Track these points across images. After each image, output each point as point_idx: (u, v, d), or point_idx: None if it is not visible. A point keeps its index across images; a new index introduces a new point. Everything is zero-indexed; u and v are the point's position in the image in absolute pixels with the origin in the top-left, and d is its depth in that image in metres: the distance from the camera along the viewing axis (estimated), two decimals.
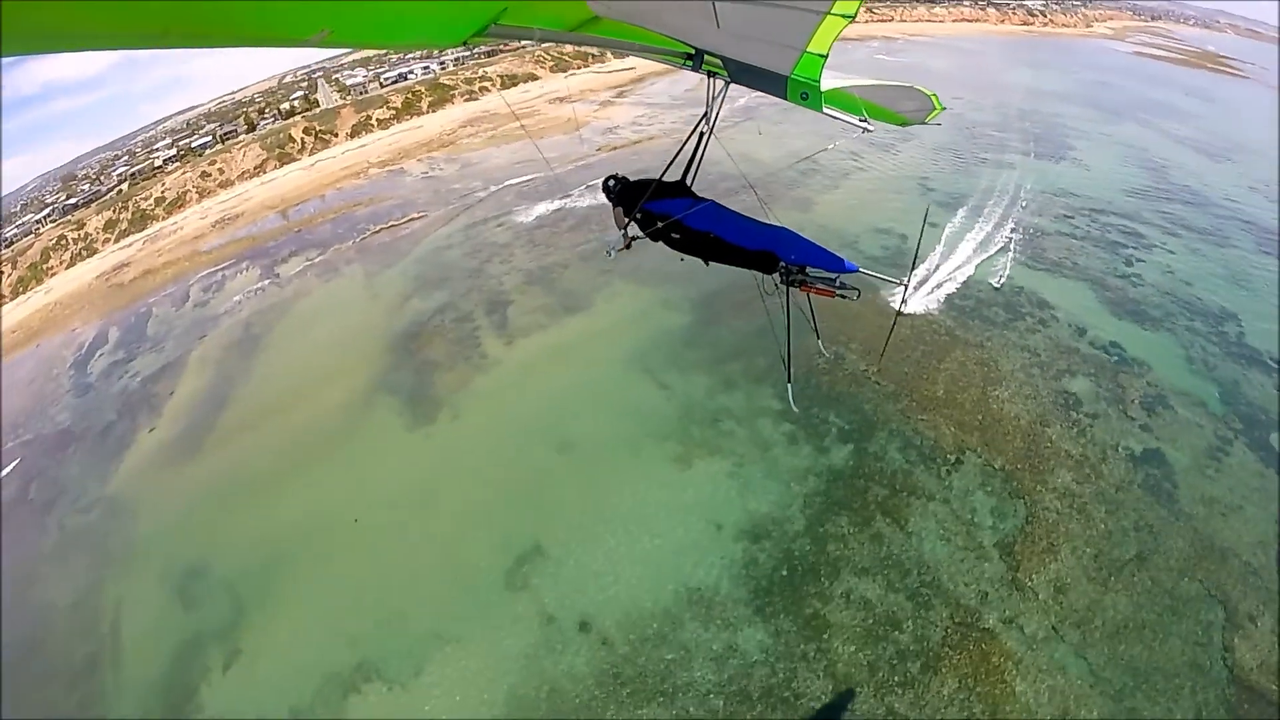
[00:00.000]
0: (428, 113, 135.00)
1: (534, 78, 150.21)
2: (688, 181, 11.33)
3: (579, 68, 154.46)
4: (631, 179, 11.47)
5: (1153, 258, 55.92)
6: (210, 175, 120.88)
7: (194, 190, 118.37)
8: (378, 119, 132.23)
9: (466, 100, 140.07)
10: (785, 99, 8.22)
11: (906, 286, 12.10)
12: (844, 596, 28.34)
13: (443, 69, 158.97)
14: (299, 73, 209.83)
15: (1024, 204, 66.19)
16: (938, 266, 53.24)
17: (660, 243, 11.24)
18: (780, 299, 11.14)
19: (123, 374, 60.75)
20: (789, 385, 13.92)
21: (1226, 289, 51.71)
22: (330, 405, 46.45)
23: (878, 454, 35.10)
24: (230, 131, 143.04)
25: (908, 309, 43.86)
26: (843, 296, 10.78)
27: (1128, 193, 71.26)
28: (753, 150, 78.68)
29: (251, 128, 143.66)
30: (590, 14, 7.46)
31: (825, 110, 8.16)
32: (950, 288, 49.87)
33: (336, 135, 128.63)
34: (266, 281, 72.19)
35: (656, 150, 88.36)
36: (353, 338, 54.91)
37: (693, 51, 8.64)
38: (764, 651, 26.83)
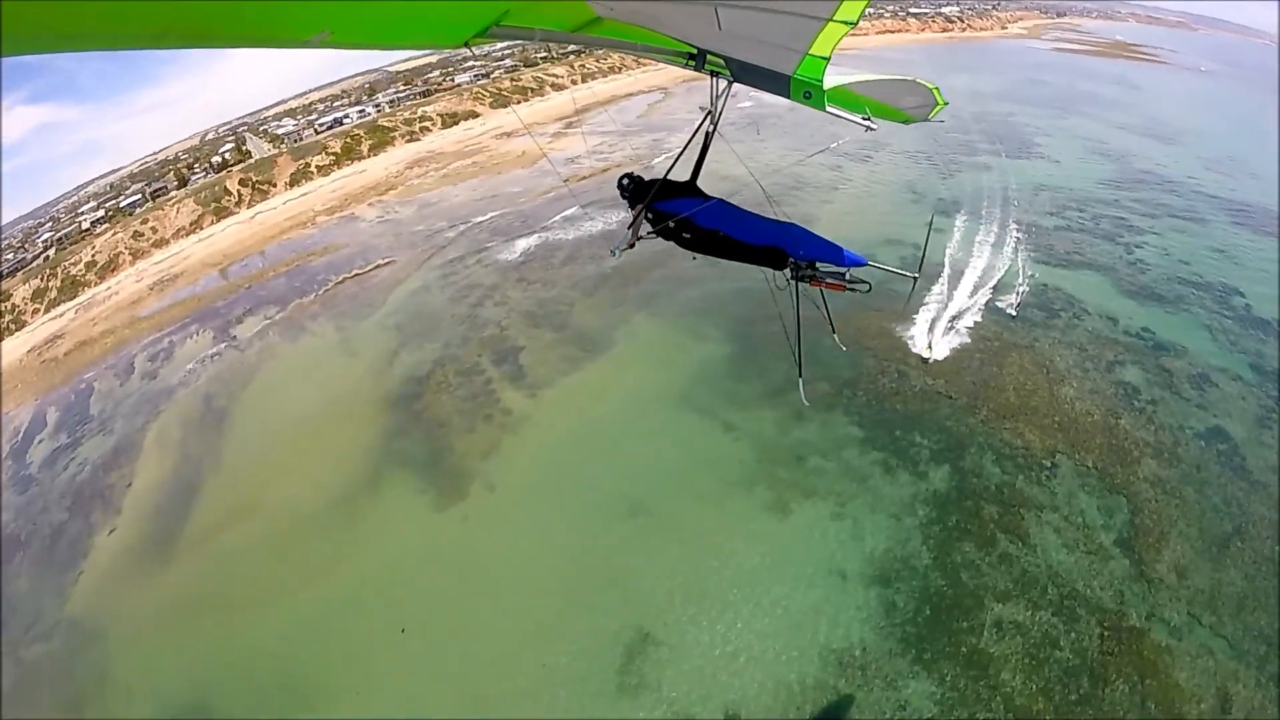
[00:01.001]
0: (369, 156, 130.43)
1: (474, 114, 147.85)
2: (697, 180, 11.25)
3: (519, 102, 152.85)
4: (646, 178, 11.31)
5: (1147, 242, 59.32)
6: (143, 235, 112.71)
7: (126, 252, 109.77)
8: (317, 166, 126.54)
9: (408, 141, 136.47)
10: (788, 98, 8.42)
11: (916, 280, 12.17)
12: (995, 626, 27.30)
13: (379, 111, 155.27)
14: (221, 129, 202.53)
15: (1015, 203, 68.23)
16: (963, 275, 53.38)
17: (673, 244, 11.26)
18: (796, 296, 11.12)
19: (68, 462, 52.52)
20: (800, 380, 13.61)
21: (1220, 264, 55.03)
22: (327, 487, 40.22)
23: (975, 470, 34.42)
24: (160, 188, 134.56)
25: (933, 356, 42.87)
26: (853, 290, 10.82)
27: (1101, 183, 75.86)
28: (726, 167, 76.33)
29: (183, 183, 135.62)
30: (593, 15, 7.29)
31: (829, 109, 8.48)
32: (985, 296, 50.15)
33: (275, 185, 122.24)
34: (222, 345, 64.86)
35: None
36: (336, 404, 48.75)
37: (695, 51, 8.61)
38: (936, 702, 25.22)
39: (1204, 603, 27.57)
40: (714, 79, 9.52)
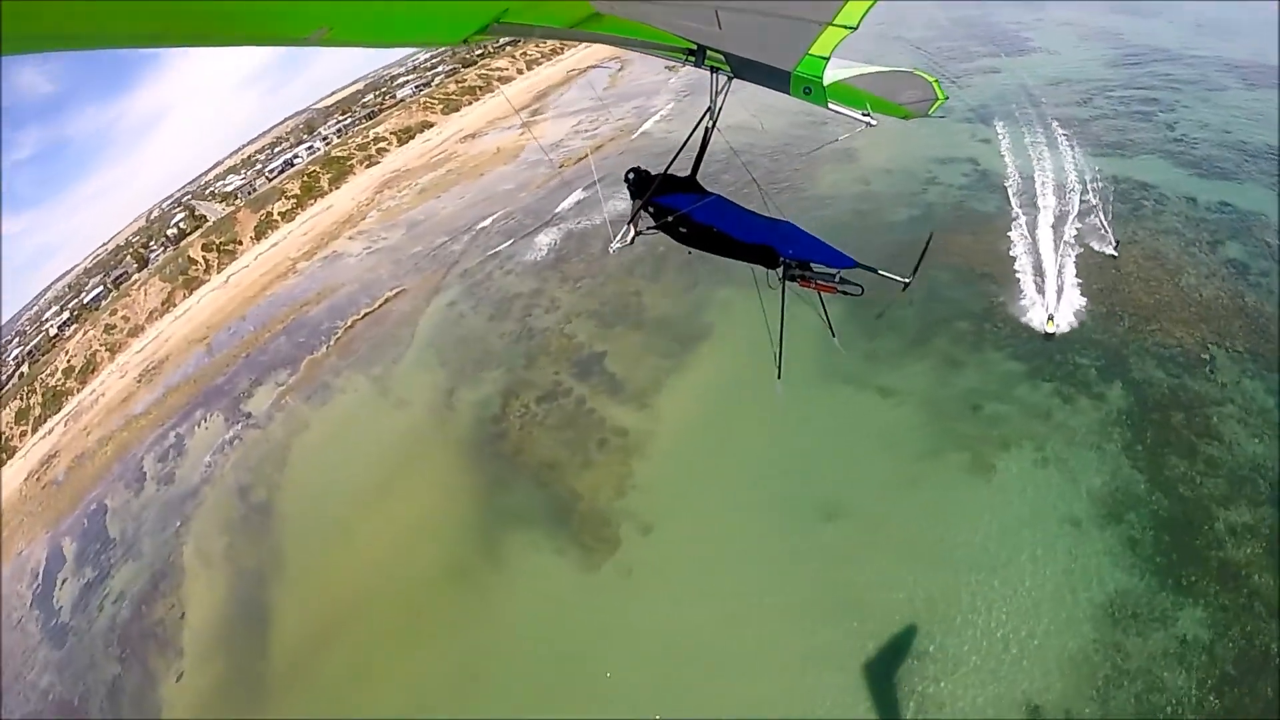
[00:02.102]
0: (332, 190, 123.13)
1: (429, 125, 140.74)
2: (696, 176, 11.34)
3: (469, 102, 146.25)
4: (651, 172, 11.27)
5: (1180, 118, 58.28)
6: (115, 327, 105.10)
7: (102, 348, 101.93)
8: (280, 212, 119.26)
9: (368, 166, 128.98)
10: (789, 94, 8.44)
11: (909, 284, 11.04)
12: (1230, 533, 26.38)
13: (328, 144, 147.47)
14: (166, 204, 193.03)
15: (1042, 100, 67.37)
16: (1036, 194, 51.45)
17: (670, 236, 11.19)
18: (795, 292, 11.00)
19: (102, 600, 45.53)
20: (778, 380, 13.77)
21: (1254, 126, 54.09)
22: (430, 568, 34.31)
23: (1145, 380, 33.31)
24: (121, 275, 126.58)
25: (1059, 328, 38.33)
26: (845, 292, 10.69)
27: (1108, 66, 74.71)
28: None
29: (143, 264, 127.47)
30: (592, 11, 7.25)
31: (830, 106, 8.66)
32: (1073, 231, 46.54)
33: (241, 242, 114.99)
34: (238, 427, 57.67)
35: (636, 147, 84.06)
36: (401, 466, 42.34)
37: (695, 48, 8.52)
38: (1210, 626, 24.14)
39: None
40: (714, 74, 9.29)
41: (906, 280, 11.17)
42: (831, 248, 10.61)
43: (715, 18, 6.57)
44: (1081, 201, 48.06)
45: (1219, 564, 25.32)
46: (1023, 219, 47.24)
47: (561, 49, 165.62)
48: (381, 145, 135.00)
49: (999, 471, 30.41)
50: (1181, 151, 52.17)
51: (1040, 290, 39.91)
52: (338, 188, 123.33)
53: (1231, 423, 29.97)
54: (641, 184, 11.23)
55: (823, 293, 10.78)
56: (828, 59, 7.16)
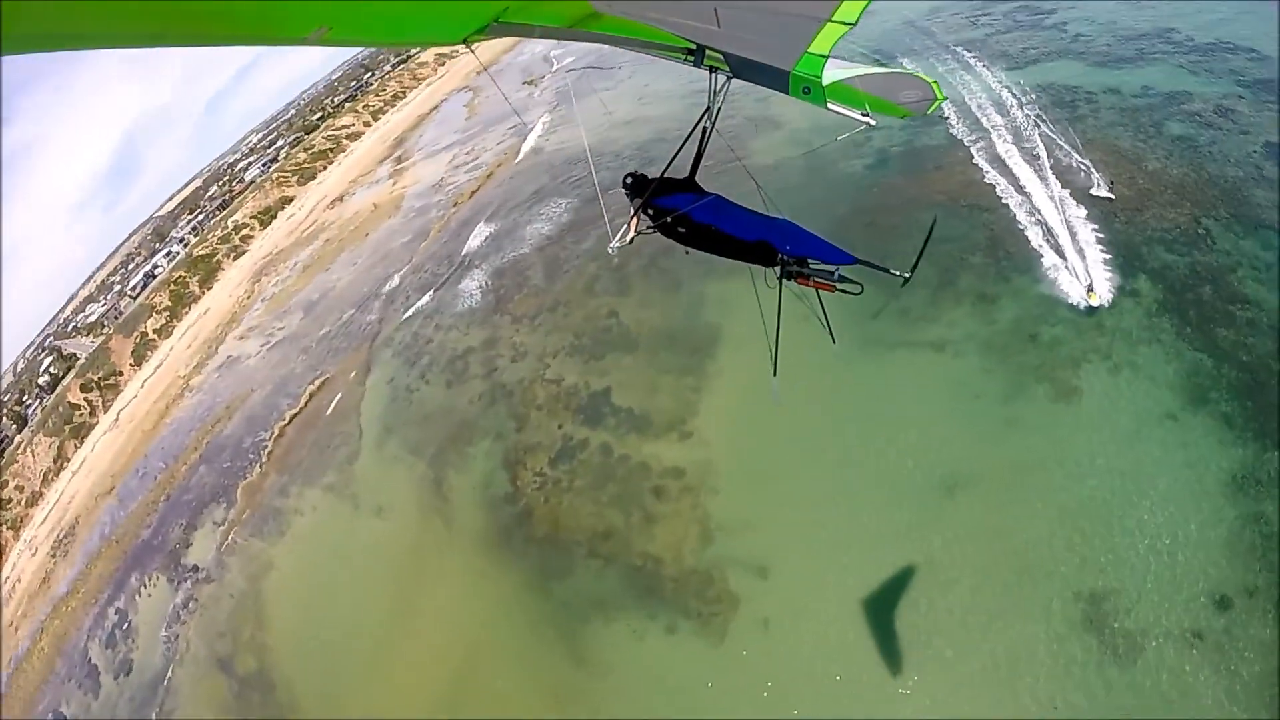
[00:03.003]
0: (204, 292, 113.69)
1: (289, 200, 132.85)
2: (695, 176, 11.51)
3: (324, 167, 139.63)
4: (649, 175, 11.34)
5: (1067, 17, 62.17)
6: (10, 500, 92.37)
7: (3, 527, 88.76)
8: (155, 330, 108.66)
9: (236, 258, 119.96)
10: (788, 94, 8.49)
11: (909, 278, 10.99)
12: None
13: (185, 245, 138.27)
14: (28, 353, 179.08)
15: (932, 30, 70.12)
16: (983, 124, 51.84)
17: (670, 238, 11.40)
18: (794, 290, 10.97)
19: None
20: (774, 379, 13.31)
21: (1141, 10, 58.59)
22: (508, 697, 29.62)
23: (1164, 266, 34.96)
24: (1, 440, 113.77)
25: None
26: (843, 290, 10.77)
27: None
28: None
29: (22, 423, 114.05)
30: (591, 11, 7.32)
31: (829, 106, 8.64)
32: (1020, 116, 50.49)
33: (121, 373, 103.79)
34: (188, 585, 49.20)
35: (532, 166, 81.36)
36: (414, 585, 36.54)
37: (694, 47, 8.65)
38: None
39: None
40: (713, 74, 9.48)
41: (906, 275, 10.99)
42: (829, 244, 10.62)
43: (714, 17, 6.67)
44: (1025, 115, 49.38)
45: None
46: (980, 143, 47.99)
47: (401, 92, 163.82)
48: (245, 233, 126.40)
49: (1084, 391, 30.83)
50: (1084, 50, 55.51)
51: (1035, 215, 40.53)
52: (210, 288, 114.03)
53: (1250, 283, 32.31)
54: (639, 186, 11.14)
55: (821, 291, 10.71)
56: (826, 57, 7.06)
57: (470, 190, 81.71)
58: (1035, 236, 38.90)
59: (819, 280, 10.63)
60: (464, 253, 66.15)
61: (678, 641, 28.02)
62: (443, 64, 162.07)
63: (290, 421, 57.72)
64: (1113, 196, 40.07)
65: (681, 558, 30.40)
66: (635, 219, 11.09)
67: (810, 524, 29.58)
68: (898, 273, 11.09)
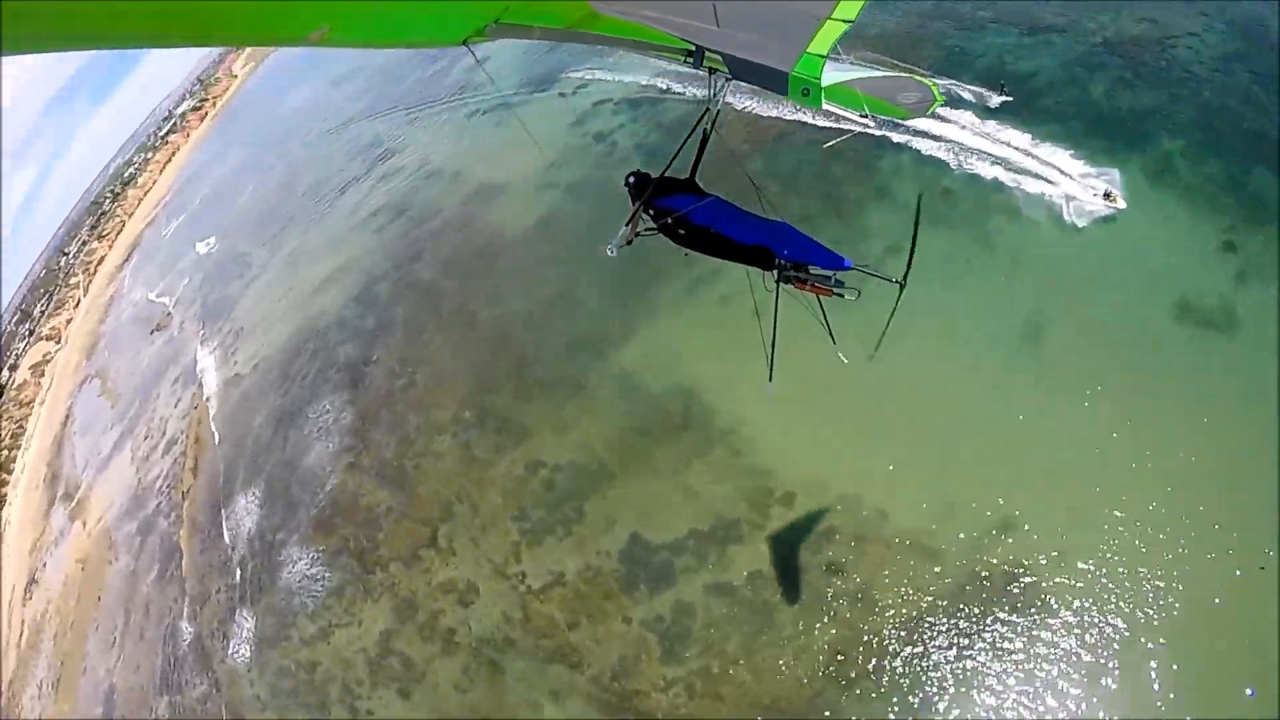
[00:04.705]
0: None
1: None
2: (695, 177, 11.65)
3: None
4: (653, 175, 11.43)
5: None
6: None
7: None
8: None
9: None
10: (786, 96, 8.29)
11: (903, 286, 11.33)
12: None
13: None
14: None
15: None
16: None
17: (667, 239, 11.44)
18: (777, 296, 10.98)
19: None
20: (769, 384, 13.31)
21: None
22: None
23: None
24: None
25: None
26: (840, 295, 10.90)
27: None
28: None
29: None
30: (590, 11, 7.54)
31: (826, 107, 8.84)
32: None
33: None
34: None
35: (235, 411, 61.67)
36: None
37: (693, 48, 8.60)
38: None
39: None
40: (712, 75, 9.65)
41: (900, 282, 11.12)
42: (827, 249, 10.76)
43: (713, 17, 7.04)
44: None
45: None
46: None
47: (20, 429, 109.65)
48: None
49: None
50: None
51: (984, 159, 39.17)
52: None
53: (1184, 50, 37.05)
54: (640, 185, 11.13)
55: (819, 295, 10.77)
56: (825, 58, 7.08)
57: (186, 469, 61.43)
58: (1008, 179, 37.25)
59: (817, 285, 10.74)
60: (245, 539, 50.09)
61: None
62: (41, 373, 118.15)
63: None
64: (1010, 96, 38.10)
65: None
66: (635, 219, 11.08)
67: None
68: (894, 279, 11.26)
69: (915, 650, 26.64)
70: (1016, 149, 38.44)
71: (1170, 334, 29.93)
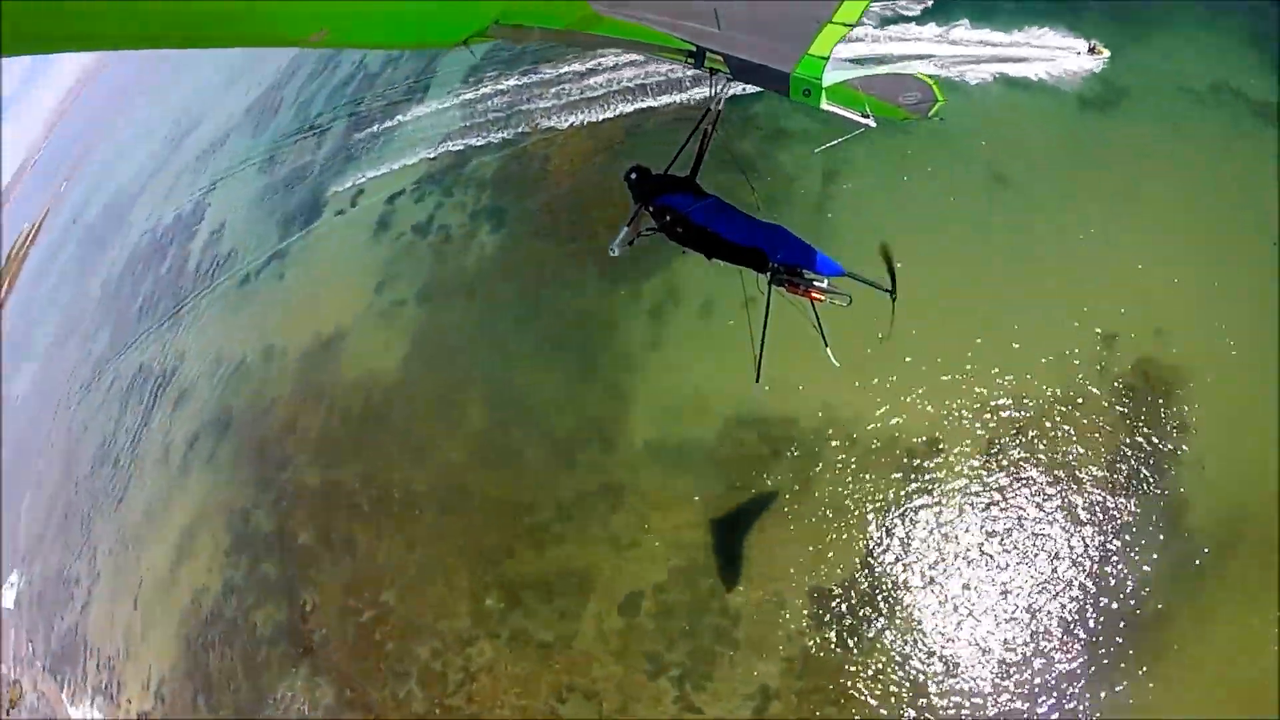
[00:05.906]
0: None
1: None
2: (696, 177, 11.68)
3: None
4: (653, 171, 11.52)
5: None
6: None
7: None
8: None
9: None
10: (788, 96, 8.13)
11: (894, 295, 11.27)
12: None
13: None
14: None
15: None
16: None
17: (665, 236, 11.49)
18: (768, 300, 11.06)
19: None
20: (756, 383, 13.17)
21: None
22: None
23: None
24: None
25: None
26: (832, 301, 10.94)
27: None
28: None
29: None
30: (591, 12, 7.55)
31: (825, 107, 8.16)
32: None
33: None
34: None
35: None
36: None
37: (694, 49, 8.29)
38: None
39: None
40: (713, 76, 9.23)
41: (890, 290, 11.22)
42: (821, 254, 10.87)
43: (715, 18, 7.04)
44: None
45: None
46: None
47: None
48: None
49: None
50: None
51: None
52: None
53: None
54: (642, 183, 11.22)
55: (812, 300, 10.83)
56: (827, 59, 7.01)
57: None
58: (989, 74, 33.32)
59: (808, 289, 10.80)
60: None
61: None
62: None
63: None
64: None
65: None
66: (638, 218, 11.15)
67: None
68: (884, 288, 11.34)
69: None
70: (985, 44, 34.67)
71: None
